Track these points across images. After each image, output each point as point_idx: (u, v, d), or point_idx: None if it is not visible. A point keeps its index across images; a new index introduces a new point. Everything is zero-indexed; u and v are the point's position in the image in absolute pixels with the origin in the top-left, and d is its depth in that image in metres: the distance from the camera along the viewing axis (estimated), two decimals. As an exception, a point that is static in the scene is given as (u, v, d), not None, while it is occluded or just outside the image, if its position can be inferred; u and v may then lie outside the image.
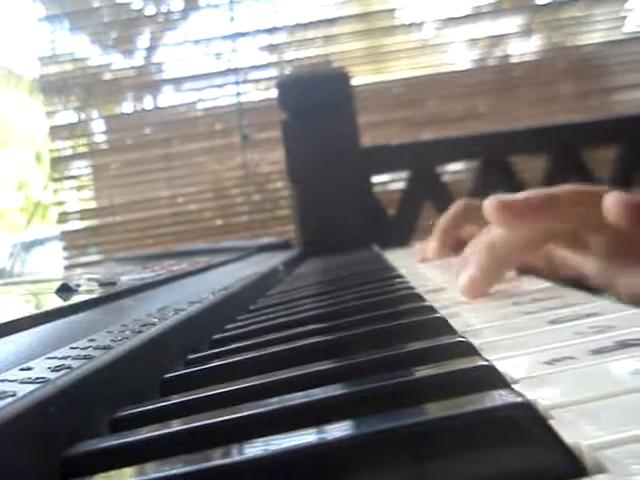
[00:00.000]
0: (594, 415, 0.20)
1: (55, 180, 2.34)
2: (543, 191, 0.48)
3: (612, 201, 0.44)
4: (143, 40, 2.36)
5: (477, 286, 0.47)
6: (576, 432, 0.19)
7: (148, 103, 2.36)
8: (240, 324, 0.48)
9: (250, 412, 0.24)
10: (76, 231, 2.33)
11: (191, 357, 0.38)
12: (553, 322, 0.33)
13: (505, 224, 0.47)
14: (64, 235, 2.33)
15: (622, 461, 0.17)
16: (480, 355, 0.28)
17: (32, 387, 0.25)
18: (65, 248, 2.32)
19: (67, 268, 2.29)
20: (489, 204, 0.46)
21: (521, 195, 0.47)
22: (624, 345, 0.27)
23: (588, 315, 0.33)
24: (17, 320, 0.39)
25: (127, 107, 2.38)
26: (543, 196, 0.47)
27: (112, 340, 0.34)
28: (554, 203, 0.47)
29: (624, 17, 2.24)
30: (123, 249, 2.22)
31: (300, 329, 0.40)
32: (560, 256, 0.54)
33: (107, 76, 2.34)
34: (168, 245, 2.21)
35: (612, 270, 0.49)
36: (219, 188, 2.28)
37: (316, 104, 1.31)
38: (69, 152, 2.34)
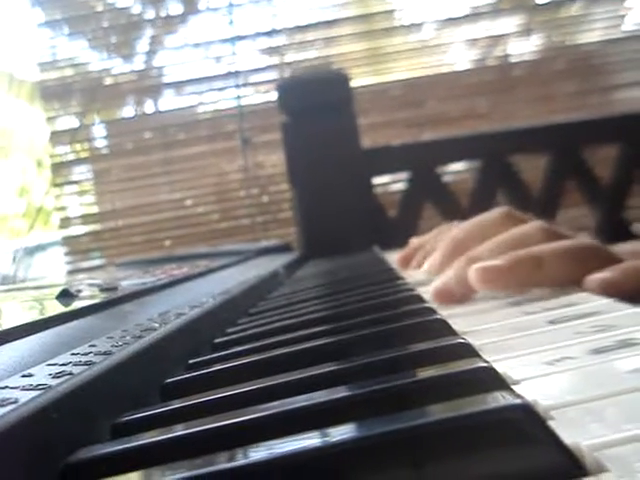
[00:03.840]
0: (596, 415, 0.20)
1: (57, 185, 2.34)
2: (526, 254, 0.45)
3: None
4: (143, 44, 2.36)
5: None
6: (578, 432, 0.19)
7: (149, 107, 2.36)
8: (241, 328, 0.48)
9: (252, 416, 0.24)
10: (78, 236, 2.33)
11: (192, 361, 0.38)
12: (553, 322, 0.33)
13: (489, 289, 0.46)
14: (66, 240, 2.33)
15: (625, 459, 0.17)
16: (480, 356, 0.28)
17: (33, 394, 0.24)
18: (67, 253, 2.32)
19: (69, 273, 2.29)
20: (473, 272, 0.45)
21: (504, 261, 0.45)
22: (625, 344, 0.27)
23: (588, 314, 0.33)
24: (18, 327, 0.39)
25: (128, 111, 2.38)
26: (527, 260, 0.45)
27: (113, 345, 0.34)
28: (538, 266, 0.45)
29: (623, 15, 2.24)
30: (125, 253, 2.22)
31: (301, 332, 0.40)
32: None
33: (107, 81, 2.34)
34: (170, 249, 2.21)
35: None
36: (220, 191, 2.28)
37: (316, 106, 1.31)
38: (70, 157, 2.34)
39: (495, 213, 0.57)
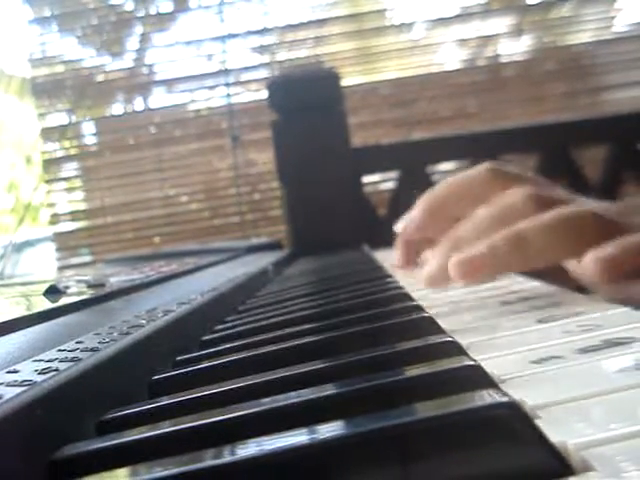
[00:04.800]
0: (582, 414, 0.20)
1: (47, 182, 2.34)
2: (510, 235, 0.41)
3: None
4: (133, 42, 2.36)
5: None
6: (565, 431, 0.19)
7: (139, 105, 2.36)
8: (229, 325, 0.48)
9: (239, 413, 0.24)
10: (67, 232, 2.32)
11: (180, 358, 0.38)
12: (541, 321, 0.33)
13: (470, 281, 0.42)
14: (56, 237, 2.32)
15: (611, 459, 0.17)
16: (467, 355, 0.28)
17: (19, 390, 0.24)
18: (57, 249, 2.32)
19: (59, 269, 2.29)
20: (452, 267, 0.41)
21: (485, 248, 0.41)
22: (612, 344, 0.27)
23: (576, 314, 0.33)
24: (4, 322, 0.39)
25: (118, 109, 2.37)
26: (511, 242, 0.41)
27: (100, 342, 0.33)
28: (524, 247, 0.41)
29: (613, 17, 2.25)
30: (115, 250, 2.21)
31: (289, 330, 0.40)
32: None
33: (98, 78, 2.33)
34: (160, 246, 2.20)
35: None
36: (210, 189, 2.28)
37: (306, 104, 1.31)
38: (60, 154, 2.33)
39: (480, 170, 0.50)
